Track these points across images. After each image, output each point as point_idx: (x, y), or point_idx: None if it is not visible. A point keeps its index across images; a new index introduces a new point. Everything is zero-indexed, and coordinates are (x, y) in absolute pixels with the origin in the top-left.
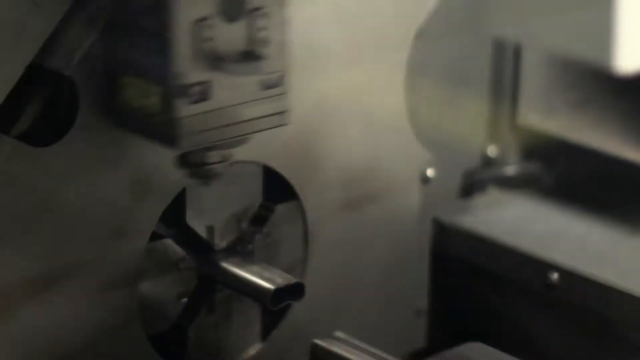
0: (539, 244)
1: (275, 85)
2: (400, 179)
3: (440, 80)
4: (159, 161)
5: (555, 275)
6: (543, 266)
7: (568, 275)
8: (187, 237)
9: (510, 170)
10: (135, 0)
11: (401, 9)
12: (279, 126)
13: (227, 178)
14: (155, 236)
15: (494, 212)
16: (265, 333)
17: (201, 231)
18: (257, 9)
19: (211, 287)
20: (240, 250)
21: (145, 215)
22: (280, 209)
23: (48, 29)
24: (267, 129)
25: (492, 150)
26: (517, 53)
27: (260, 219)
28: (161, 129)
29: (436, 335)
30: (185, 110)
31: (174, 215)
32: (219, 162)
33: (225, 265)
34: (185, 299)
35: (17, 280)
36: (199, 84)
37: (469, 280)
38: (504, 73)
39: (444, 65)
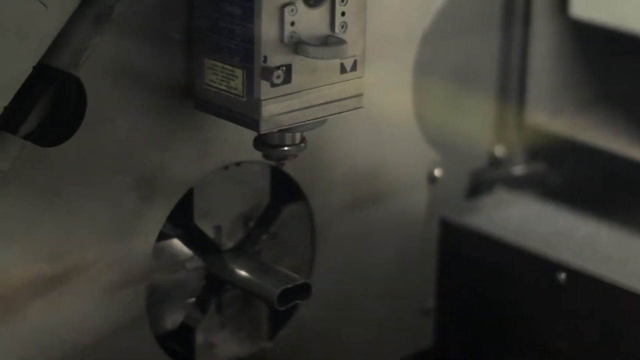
0: (546, 243)
1: (352, 69)
2: (408, 178)
3: (448, 80)
4: (166, 160)
5: (562, 275)
6: (550, 266)
7: (575, 275)
8: (194, 237)
9: (518, 170)
10: None
11: (408, 9)
12: (355, 109)
13: (235, 178)
14: (162, 236)
15: (501, 212)
16: (273, 332)
17: (209, 231)
18: None
19: (219, 287)
20: (248, 250)
21: (153, 215)
22: (288, 209)
23: (55, 29)
24: (343, 111)
25: (499, 150)
26: (524, 53)
27: (267, 219)
28: (244, 111)
29: (443, 335)
30: (267, 92)
31: (182, 215)
32: (295, 144)
33: (233, 265)
34: (192, 299)
35: (24, 280)
36: (281, 67)
37: (475, 280)
38: (511, 73)
39: (451, 65)
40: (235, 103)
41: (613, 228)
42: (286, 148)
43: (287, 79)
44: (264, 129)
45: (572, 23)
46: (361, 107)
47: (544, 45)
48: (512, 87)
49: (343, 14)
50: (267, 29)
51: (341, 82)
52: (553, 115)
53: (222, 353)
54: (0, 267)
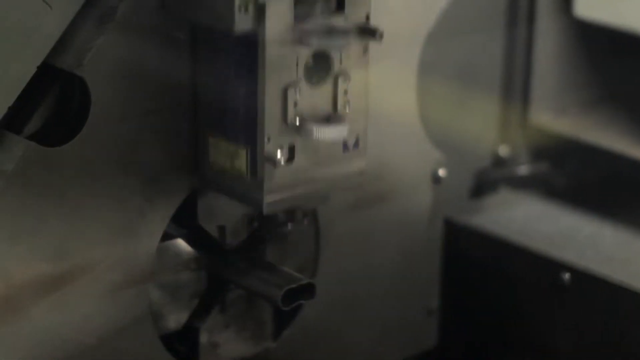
0: (550, 243)
1: (354, 146)
2: (412, 178)
3: (452, 80)
4: (171, 161)
5: (566, 275)
6: (554, 266)
7: (579, 275)
8: (198, 237)
9: (522, 170)
10: (226, 65)
11: (412, 9)
12: (357, 184)
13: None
14: (166, 236)
15: (505, 212)
16: (277, 332)
17: (212, 231)
18: (341, 73)
19: (223, 287)
20: (252, 250)
21: (157, 215)
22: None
23: (60, 29)
24: (346, 188)
25: (503, 150)
26: (528, 52)
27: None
28: (248, 191)
29: (447, 335)
30: (271, 173)
31: (186, 215)
32: (298, 220)
33: (237, 265)
34: (196, 299)
35: (28, 280)
36: (284, 147)
37: (479, 280)
38: (515, 73)
39: (455, 65)
40: (239, 182)
41: (617, 228)
42: (289, 225)
43: (291, 159)
44: (268, 209)
45: (577, 23)
46: (362, 183)
47: (548, 45)
48: (516, 87)
49: (345, 92)
50: (270, 110)
51: (344, 159)
52: (557, 115)
53: (226, 353)
54: (4, 267)
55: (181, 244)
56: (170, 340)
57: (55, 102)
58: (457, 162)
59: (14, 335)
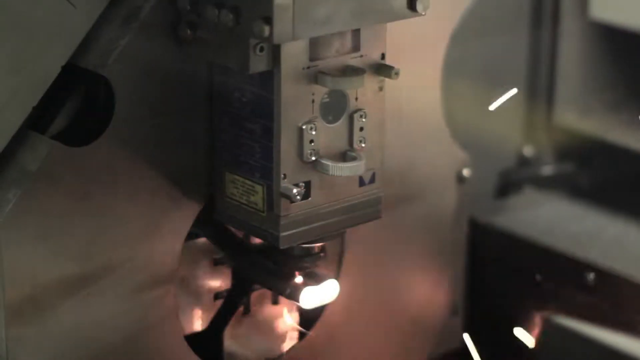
0: (575, 243)
1: (370, 181)
2: (437, 178)
3: (477, 80)
4: (196, 160)
5: (591, 275)
6: (579, 266)
7: (604, 275)
8: (223, 237)
9: (546, 170)
10: (242, 104)
11: (437, 9)
12: (374, 219)
13: None
14: (191, 236)
15: (530, 212)
16: (301, 333)
17: (237, 231)
18: (357, 110)
19: (247, 287)
20: (276, 249)
21: (182, 214)
22: None
23: (84, 29)
24: (362, 223)
25: (528, 150)
26: (553, 53)
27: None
28: (264, 226)
29: (472, 335)
30: (287, 209)
31: (210, 214)
32: (315, 255)
33: (261, 265)
34: (221, 299)
35: (54, 280)
36: (301, 184)
37: (504, 280)
38: (540, 73)
39: (480, 65)
40: (256, 217)
41: None
42: (307, 259)
43: (307, 195)
44: (284, 244)
45: (599, 23)
46: (380, 218)
47: (572, 45)
48: (541, 87)
49: (361, 129)
50: (286, 147)
51: (360, 194)
52: (582, 115)
53: (249, 353)
54: (30, 267)
55: (206, 244)
56: (195, 340)
57: (79, 102)
58: (482, 162)
59: (40, 335)
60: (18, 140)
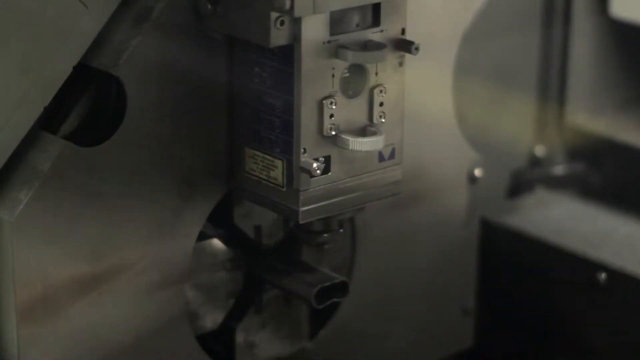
0: (587, 243)
1: (390, 157)
2: (448, 178)
3: (488, 80)
4: (207, 161)
5: (603, 275)
6: (591, 266)
7: (616, 275)
8: (234, 237)
9: (558, 170)
10: (262, 78)
11: (449, 9)
12: (393, 195)
13: None
14: (202, 236)
15: (542, 212)
16: (313, 332)
17: (249, 231)
18: (377, 85)
19: (259, 287)
20: (288, 250)
21: (193, 214)
22: None
23: (96, 29)
24: (381, 198)
25: (539, 150)
26: (565, 53)
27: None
28: (284, 201)
29: (483, 335)
30: (307, 183)
31: (222, 214)
32: (334, 230)
33: (273, 265)
34: (232, 299)
35: (65, 280)
36: (320, 158)
37: (516, 280)
38: (552, 73)
39: (491, 65)
40: (275, 193)
41: None
42: (325, 235)
43: (326, 170)
44: (304, 219)
45: (613, 23)
46: (400, 194)
47: (584, 45)
48: (552, 87)
49: (381, 104)
50: (306, 122)
51: (379, 169)
52: (593, 115)
53: (262, 353)
54: (41, 267)
55: (217, 243)
56: (207, 340)
57: (91, 102)
58: (494, 162)
59: (51, 335)
60: (29, 140)
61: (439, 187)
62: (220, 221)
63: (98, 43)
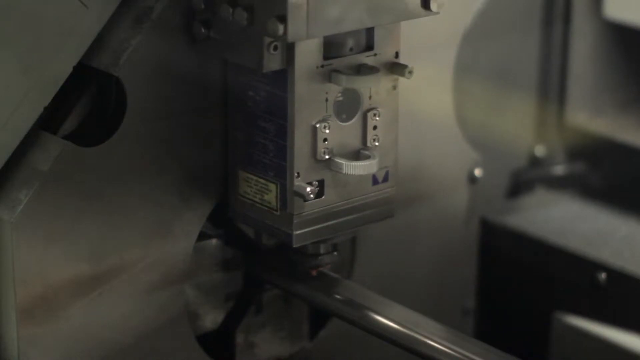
0: (587, 243)
1: (384, 180)
2: (448, 178)
3: (488, 80)
4: (207, 161)
5: (602, 275)
6: (591, 266)
7: (616, 275)
8: (234, 237)
9: (558, 170)
10: (256, 102)
11: (449, 9)
12: (386, 218)
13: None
14: (203, 236)
15: (542, 212)
16: (313, 332)
17: (249, 231)
18: (370, 109)
19: (259, 287)
20: (287, 250)
21: (193, 215)
22: None
23: (96, 29)
24: (375, 221)
25: (539, 150)
26: (564, 53)
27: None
28: (277, 224)
29: (483, 334)
30: (300, 207)
31: (222, 214)
32: (328, 253)
33: (273, 265)
34: (233, 299)
35: (65, 280)
36: (314, 183)
37: (515, 280)
38: (552, 73)
39: (491, 65)
40: (269, 216)
41: None
42: (319, 257)
43: (320, 194)
44: (297, 243)
45: (612, 23)
46: (392, 216)
47: (584, 45)
48: (552, 87)
49: (375, 127)
50: (300, 146)
51: (373, 193)
52: (593, 115)
53: (262, 353)
54: (41, 267)
55: (217, 243)
56: (207, 340)
57: (91, 102)
58: (494, 162)
59: (51, 335)
60: (30, 140)
61: (439, 187)
62: (220, 221)
63: (98, 43)
